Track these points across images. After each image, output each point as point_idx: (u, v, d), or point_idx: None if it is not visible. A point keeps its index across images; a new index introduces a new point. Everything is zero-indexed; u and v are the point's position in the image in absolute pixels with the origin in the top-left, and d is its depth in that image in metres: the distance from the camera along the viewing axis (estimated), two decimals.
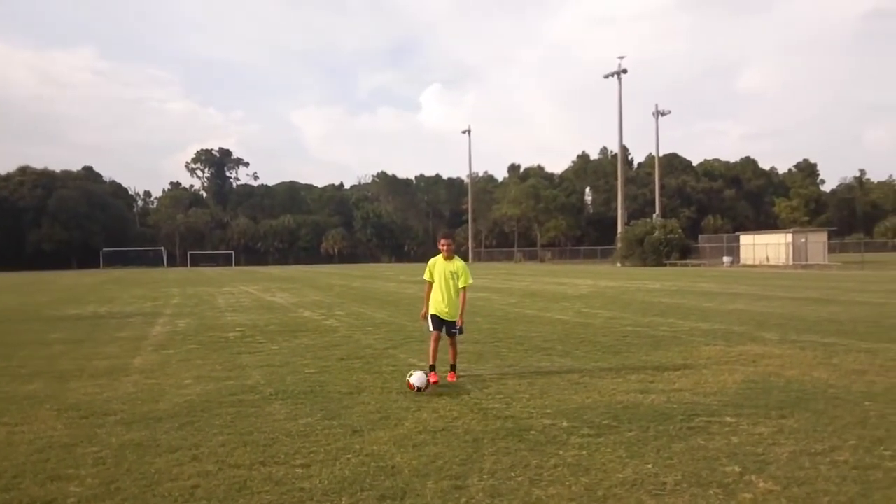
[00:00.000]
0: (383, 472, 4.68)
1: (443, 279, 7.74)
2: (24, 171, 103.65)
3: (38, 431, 5.92)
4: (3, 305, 22.67)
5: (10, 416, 6.53)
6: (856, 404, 6.43)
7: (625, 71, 66.15)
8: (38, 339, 12.79)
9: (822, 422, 5.81)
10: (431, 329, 7.75)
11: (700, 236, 71.20)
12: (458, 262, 7.85)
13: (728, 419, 5.92)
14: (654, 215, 66.03)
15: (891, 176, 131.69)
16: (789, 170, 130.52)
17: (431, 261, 7.94)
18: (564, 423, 5.86)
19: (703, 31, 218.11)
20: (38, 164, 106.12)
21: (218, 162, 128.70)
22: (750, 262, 54.60)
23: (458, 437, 5.53)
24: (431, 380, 7.33)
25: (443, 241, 7.97)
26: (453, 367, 8.00)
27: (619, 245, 63.81)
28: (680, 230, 62.07)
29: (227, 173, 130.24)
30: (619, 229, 65.45)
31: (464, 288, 7.81)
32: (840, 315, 14.55)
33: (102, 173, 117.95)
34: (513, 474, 4.59)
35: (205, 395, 7.36)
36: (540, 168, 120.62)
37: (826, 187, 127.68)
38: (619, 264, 60.69)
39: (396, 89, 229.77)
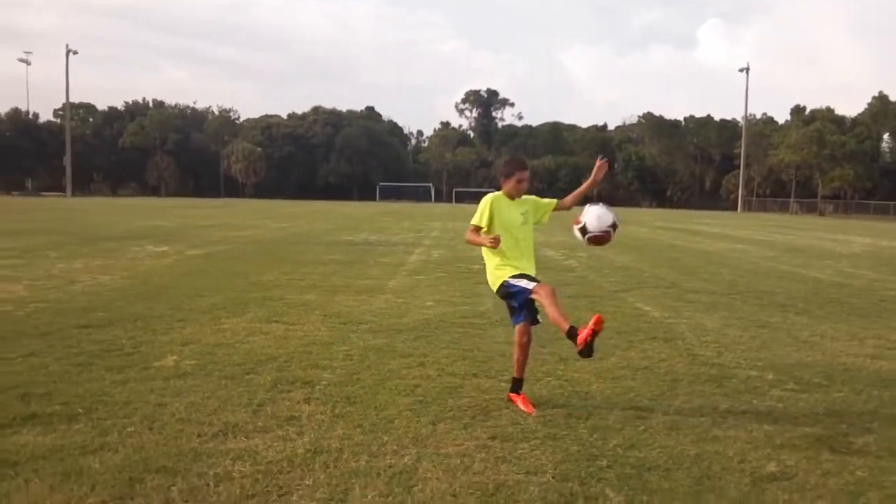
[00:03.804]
0: (576, 395, 5.20)
1: (510, 228, 4.97)
2: (316, 110, 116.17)
3: (307, 331, 7.27)
4: (297, 230, 26.29)
5: (289, 317, 8.03)
6: None
7: None
8: (318, 258, 14.94)
9: None
10: (518, 304, 4.91)
11: None
12: (528, 198, 5.27)
13: None
14: None
15: None
16: None
17: (491, 197, 5.03)
18: (770, 376, 5.89)
19: None
20: (328, 104, 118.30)
21: (485, 102, 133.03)
22: None
23: (658, 375, 5.85)
24: (525, 407, 4.82)
25: (521, 175, 5.13)
26: (521, 385, 5.03)
27: None
28: None
29: (494, 113, 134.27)
30: None
31: (554, 204, 5.55)
32: None
33: (382, 113, 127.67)
34: (697, 413, 4.85)
35: (441, 315, 8.36)
36: (829, 110, 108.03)
37: None
38: None
39: (670, 25, 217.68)
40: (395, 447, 4.08)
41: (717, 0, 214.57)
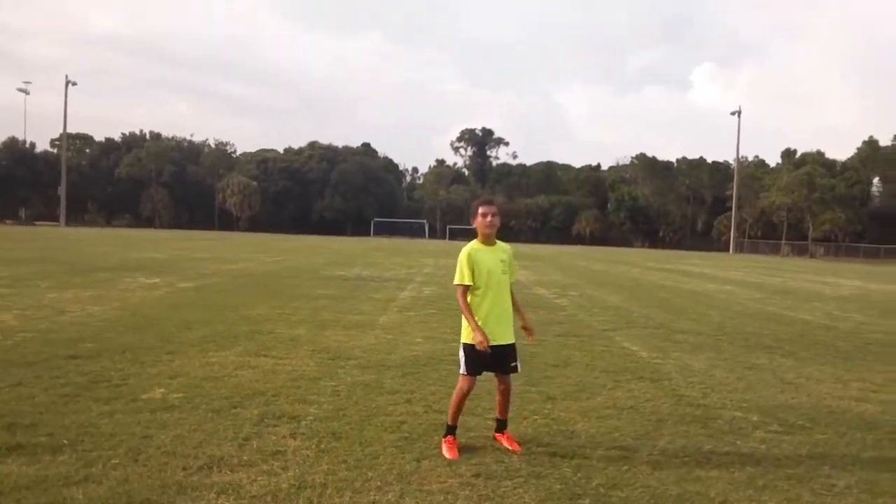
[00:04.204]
0: (562, 434, 5.23)
1: (495, 277, 4.86)
2: (312, 145, 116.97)
3: (296, 366, 7.29)
4: (289, 265, 26.32)
5: (278, 351, 8.05)
6: None
7: None
8: (309, 293, 14.97)
9: None
10: (466, 372, 4.87)
11: None
12: (505, 247, 5.08)
13: None
14: None
15: None
16: None
17: (468, 252, 4.88)
18: (755, 418, 5.93)
19: None
20: (324, 140, 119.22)
21: (480, 141, 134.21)
22: None
23: (644, 415, 5.88)
24: (449, 453, 4.67)
25: (486, 210, 4.91)
26: (505, 425, 5.04)
27: None
28: None
29: (488, 152, 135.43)
30: None
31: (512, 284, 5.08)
32: None
33: (378, 149, 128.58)
34: (681, 453, 4.88)
35: (430, 352, 8.38)
36: (819, 154, 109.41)
37: None
38: None
39: (664, 68, 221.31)
40: (380, 483, 4.10)
41: (711, 44, 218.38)
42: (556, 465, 4.55)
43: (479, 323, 4.79)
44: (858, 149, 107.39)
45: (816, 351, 9.83)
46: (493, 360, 4.83)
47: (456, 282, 4.91)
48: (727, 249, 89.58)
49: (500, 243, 5.08)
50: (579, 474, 4.39)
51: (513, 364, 4.95)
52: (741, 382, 7.43)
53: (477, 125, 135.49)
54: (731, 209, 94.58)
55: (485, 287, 4.84)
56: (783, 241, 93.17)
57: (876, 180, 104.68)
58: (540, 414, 5.77)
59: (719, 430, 5.51)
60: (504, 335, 4.88)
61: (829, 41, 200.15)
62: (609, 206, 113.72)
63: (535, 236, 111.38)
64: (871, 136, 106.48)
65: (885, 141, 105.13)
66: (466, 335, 4.86)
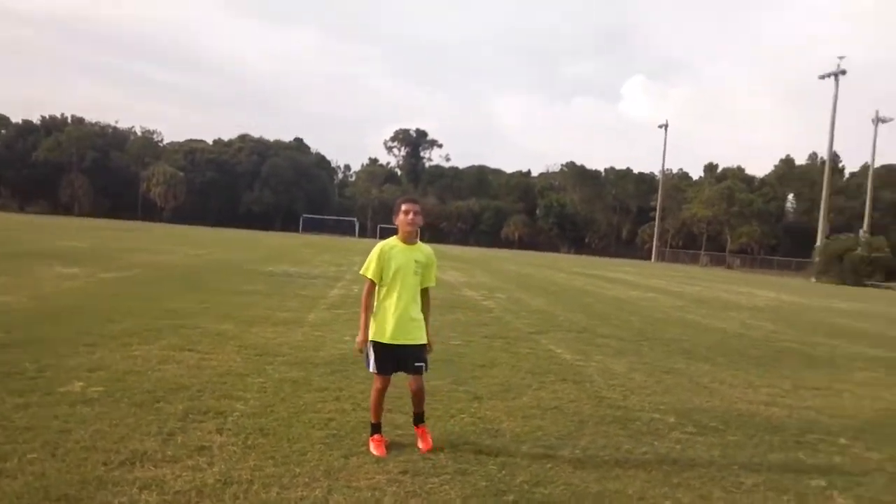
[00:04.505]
0: (487, 433, 5.33)
1: (404, 277, 4.82)
2: (243, 138, 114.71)
3: (222, 361, 7.18)
4: (215, 258, 25.77)
5: (203, 346, 7.91)
6: None
7: (843, 72, 61.16)
8: (236, 288, 14.71)
9: None
10: (376, 371, 4.85)
11: None
12: (425, 249, 5.01)
13: (843, 441, 5.93)
14: (861, 231, 60.64)
15: None
16: None
17: (381, 246, 4.92)
18: (671, 419, 6.18)
19: None
20: (255, 133, 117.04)
21: (414, 142, 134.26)
22: None
23: (567, 416, 6.05)
24: (377, 450, 4.68)
25: (408, 207, 4.94)
26: (422, 418, 4.99)
27: (815, 259, 59.38)
28: (887, 249, 56.54)
29: (422, 153, 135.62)
30: (819, 242, 60.85)
31: (427, 290, 5.04)
32: None
33: (310, 145, 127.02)
34: (601, 453, 5.06)
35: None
36: (739, 169, 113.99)
37: None
38: (813, 279, 56.52)
39: (597, 79, 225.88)
40: (307, 479, 4.10)
41: (644, 57, 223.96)
42: (482, 462, 4.65)
43: (385, 321, 4.79)
44: (776, 166, 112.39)
45: (731, 357, 10.28)
46: (398, 360, 4.83)
47: (360, 272, 4.94)
48: (650, 258, 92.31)
49: (420, 244, 5.02)
50: (504, 472, 4.49)
51: (417, 364, 4.85)
52: (659, 386, 7.72)
53: (411, 126, 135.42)
54: (654, 219, 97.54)
55: (391, 285, 4.82)
56: (702, 252, 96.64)
57: (790, 196, 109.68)
58: (467, 413, 5.87)
59: (638, 431, 5.72)
60: (409, 335, 4.81)
61: (753, 63, 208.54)
62: (538, 211, 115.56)
63: (465, 239, 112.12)
64: (787, 155, 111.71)
65: (800, 160, 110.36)
66: (373, 332, 4.84)
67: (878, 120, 64.49)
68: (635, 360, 9.32)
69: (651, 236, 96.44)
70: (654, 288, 27.27)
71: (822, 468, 5.11)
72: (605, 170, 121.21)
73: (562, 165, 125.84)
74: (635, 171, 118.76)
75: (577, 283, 27.07)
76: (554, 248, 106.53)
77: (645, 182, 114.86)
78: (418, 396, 4.92)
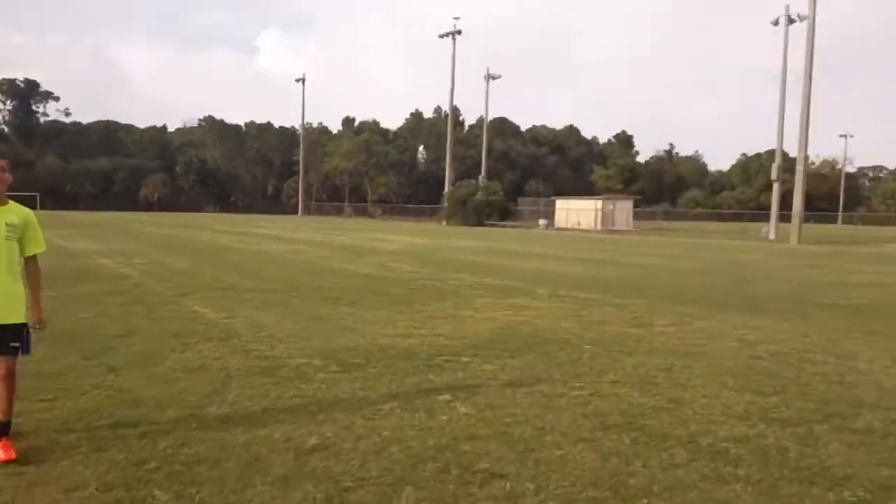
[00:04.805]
0: (125, 404, 5.00)
1: None
2: None
3: None
4: None
5: None
6: (578, 347, 7.48)
7: (459, 32, 67.42)
8: None
9: (542, 361, 6.78)
10: None
11: (520, 199, 74.89)
12: (20, 209, 4.27)
13: (464, 359, 6.74)
14: (480, 177, 68.50)
15: (696, 151, 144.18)
16: (609, 140, 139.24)
17: None
18: (317, 362, 6.43)
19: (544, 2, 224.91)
20: None
21: (23, 93, 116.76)
22: (563, 225, 58.26)
23: (213, 373, 5.94)
24: (6, 454, 3.96)
25: None
26: (6, 430, 4.09)
27: (444, 205, 65.72)
28: (501, 193, 64.94)
29: (34, 107, 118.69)
30: (446, 189, 67.36)
31: (34, 257, 4.32)
32: (613, 274, 16.30)
33: None
34: (249, 404, 5.08)
35: None
36: (375, 123, 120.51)
37: (640, 158, 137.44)
38: (444, 223, 62.61)
39: (231, 30, 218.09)
40: None
41: (278, 9, 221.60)
42: (121, 436, 4.35)
43: None
44: (407, 119, 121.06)
45: (374, 299, 10.98)
46: None
47: None
48: (296, 212, 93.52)
49: (13, 204, 4.23)
50: (145, 440, 4.27)
51: (13, 345, 4.07)
52: (307, 332, 7.95)
53: (17, 75, 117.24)
54: (298, 173, 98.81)
55: None
56: (346, 203, 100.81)
57: (421, 148, 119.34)
58: (102, 387, 5.42)
59: (285, 378, 5.84)
60: (4, 313, 4.06)
61: (385, 19, 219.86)
62: (178, 169, 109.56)
63: (96, 203, 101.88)
64: (417, 109, 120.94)
65: (427, 113, 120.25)
66: None
67: (489, 77, 72.67)
68: (283, 311, 9.46)
69: (296, 191, 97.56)
70: (301, 240, 27.78)
71: (448, 384, 5.77)
72: (246, 124, 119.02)
73: (199, 120, 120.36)
74: (276, 125, 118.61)
75: (222, 241, 26.39)
76: (198, 208, 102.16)
77: (287, 136, 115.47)
78: (6, 383, 4.06)
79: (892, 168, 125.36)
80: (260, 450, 4.16)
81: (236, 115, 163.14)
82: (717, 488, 3.77)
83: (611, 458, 4.17)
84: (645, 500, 3.61)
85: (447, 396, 5.38)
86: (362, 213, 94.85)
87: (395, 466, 3.95)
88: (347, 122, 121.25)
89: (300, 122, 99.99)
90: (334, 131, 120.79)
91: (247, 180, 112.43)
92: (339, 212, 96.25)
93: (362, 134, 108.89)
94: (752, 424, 4.90)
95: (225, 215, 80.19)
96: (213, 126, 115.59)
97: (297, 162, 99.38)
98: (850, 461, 4.23)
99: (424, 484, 3.73)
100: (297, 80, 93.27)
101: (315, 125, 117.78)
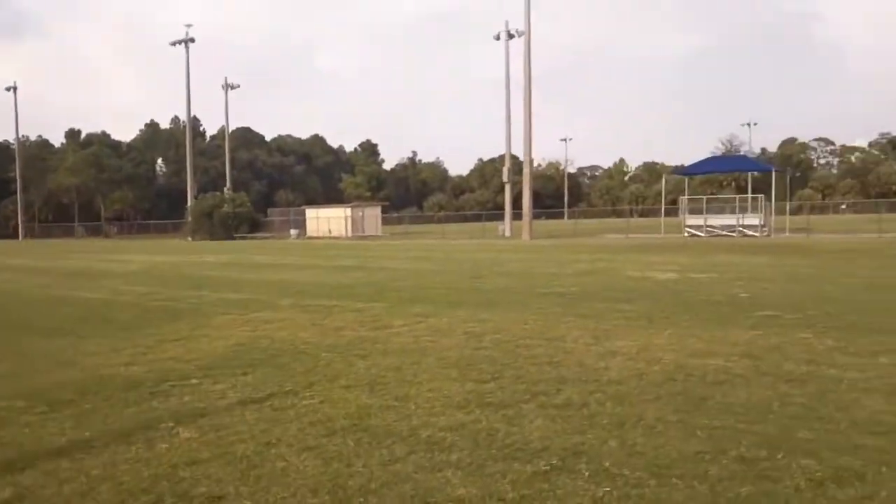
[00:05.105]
0: None
1: None
2: None
3: None
4: None
5: None
6: (314, 356, 7.52)
7: (192, 40, 64.34)
8: None
9: (276, 374, 6.72)
10: None
11: (270, 210, 73.42)
12: None
13: (194, 381, 6.48)
14: (226, 188, 66.03)
15: (437, 158, 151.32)
16: (355, 149, 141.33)
17: None
18: (21, 404, 5.80)
19: (282, 11, 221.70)
20: None
21: None
22: (315, 234, 58.14)
23: None
24: None
25: None
26: None
27: (188, 219, 62.43)
28: (249, 204, 63.17)
29: None
30: (189, 202, 64.02)
31: None
32: (358, 280, 16.60)
33: None
34: None
35: None
36: (105, 135, 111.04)
37: (386, 166, 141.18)
38: (189, 238, 59.43)
39: None
40: None
41: None
42: None
43: None
44: (142, 130, 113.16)
45: (99, 327, 10.13)
46: None
47: None
48: (17, 236, 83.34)
49: None
50: None
51: None
52: (12, 371, 7.15)
53: None
54: (16, 192, 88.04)
55: None
56: (77, 223, 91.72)
57: (160, 160, 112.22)
58: None
59: None
60: None
61: (111, 27, 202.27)
62: None
63: None
64: (152, 119, 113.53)
65: (164, 124, 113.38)
66: None
67: (227, 86, 70.23)
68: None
69: (15, 212, 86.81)
70: (17, 268, 24.82)
71: (172, 410, 5.51)
72: None
73: None
74: None
75: None
76: None
77: (1, 152, 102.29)
78: None
79: (607, 167, 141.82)
80: None
81: None
82: (431, 477, 4.02)
83: (333, 463, 4.27)
84: (361, 499, 3.75)
85: (170, 423, 5.15)
86: (97, 232, 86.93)
87: None
88: (72, 134, 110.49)
89: (14, 135, 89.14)
90: (57, 145, 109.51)
91: None
92: (69, 233, 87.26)
93: (90, 147, 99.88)
94: (470, 411, 5.29)
95: None
96: None
97: (15, 179, 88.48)
98: (549, 434, 4.73)
99: None
100: (8, 89, 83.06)
101: (34, 139, 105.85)
